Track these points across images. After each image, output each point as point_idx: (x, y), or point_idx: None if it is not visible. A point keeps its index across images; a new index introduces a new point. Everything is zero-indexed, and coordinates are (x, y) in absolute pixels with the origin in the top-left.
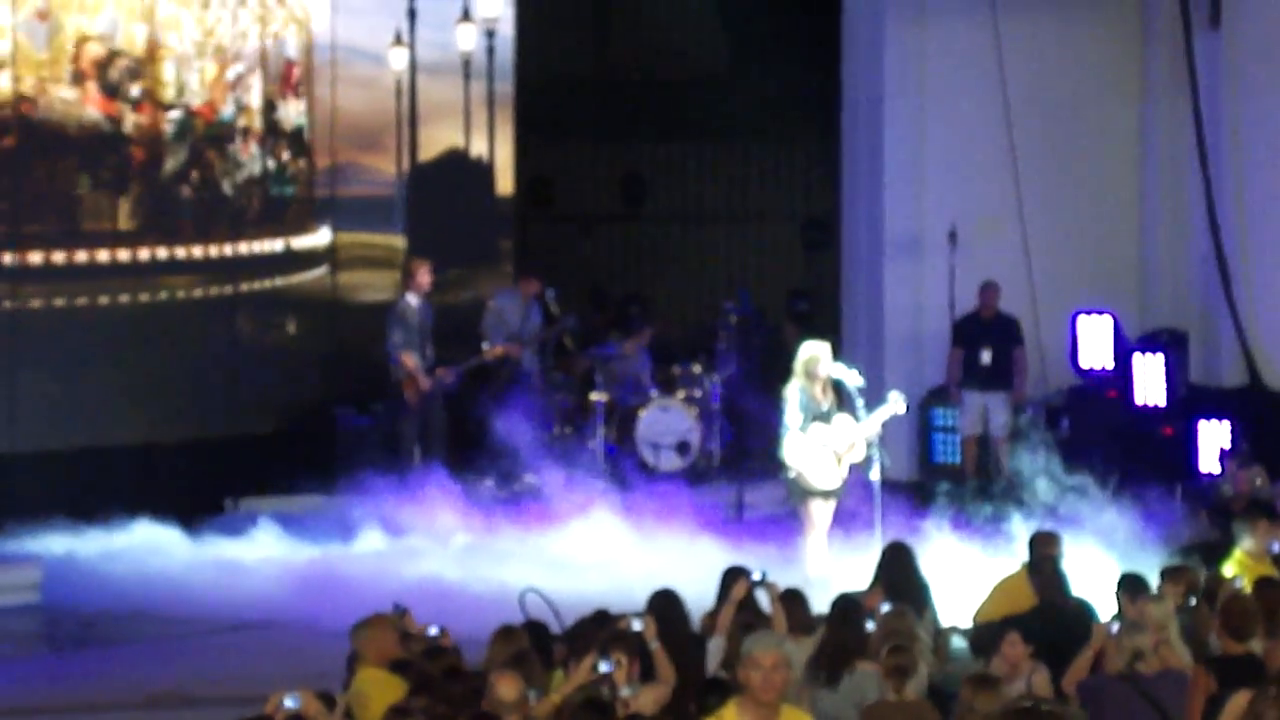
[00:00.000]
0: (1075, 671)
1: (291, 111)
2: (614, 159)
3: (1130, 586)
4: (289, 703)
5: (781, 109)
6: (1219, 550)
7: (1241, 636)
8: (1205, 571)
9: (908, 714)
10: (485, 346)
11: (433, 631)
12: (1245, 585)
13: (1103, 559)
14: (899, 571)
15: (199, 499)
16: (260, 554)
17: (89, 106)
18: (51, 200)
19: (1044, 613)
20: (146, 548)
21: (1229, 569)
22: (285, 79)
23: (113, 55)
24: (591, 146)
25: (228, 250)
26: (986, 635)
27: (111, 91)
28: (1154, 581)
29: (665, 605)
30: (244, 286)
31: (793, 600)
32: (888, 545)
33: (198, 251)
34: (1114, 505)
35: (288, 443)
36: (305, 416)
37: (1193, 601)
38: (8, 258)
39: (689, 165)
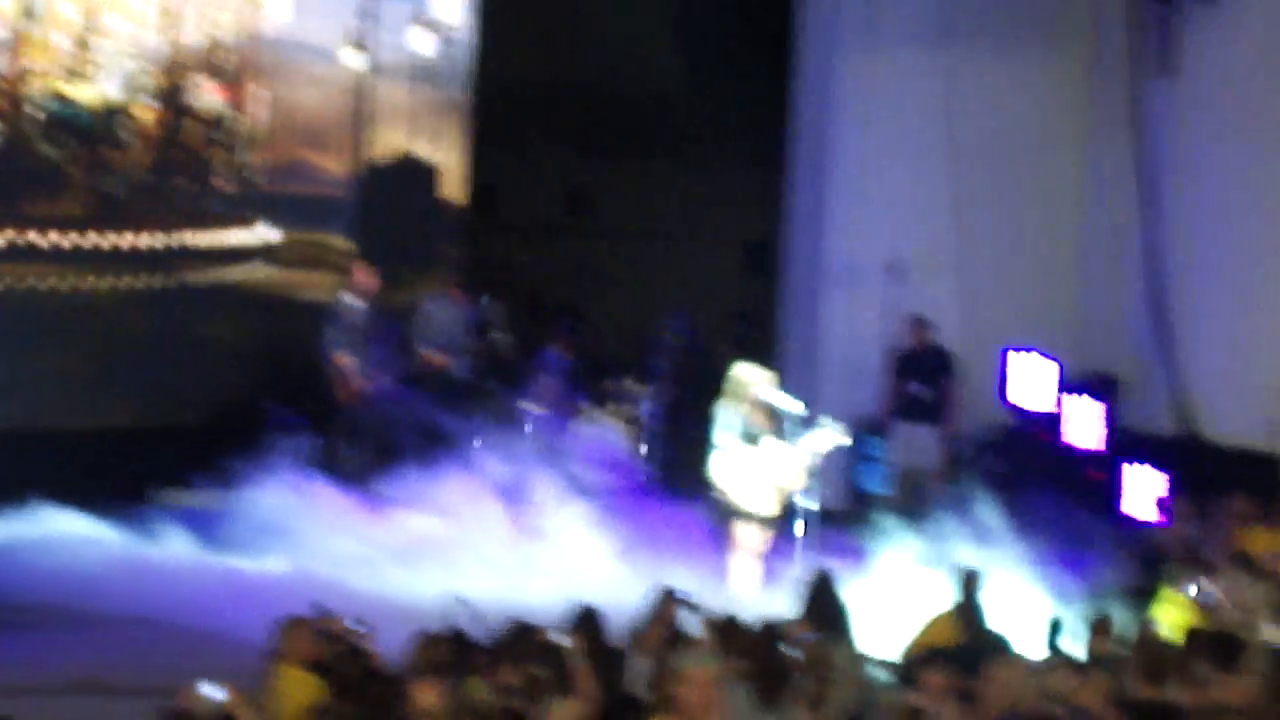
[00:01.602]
0: (989, 706)
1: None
2: (562, 172)
3: (1053, 628)
4: (214, 693)
5: (731, 132)
6: (1143, 595)
7: (1158, 680)
8: (1129, 616)
9: None
10: (422, 351)
11: (354, 626)
12: (1164, 630)
13: (1030, 599)
14: (821, 599)
15: (123, 489)
16: (179, 549)
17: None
18: None
19: (970, 649)
20: (69, 537)
21: (1158, 613)
22: (234, 71)
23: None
24: (540, 158)
25: (170, 241)
26: (914, 666)
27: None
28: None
29: (590, 621)
30: (184, 278)
31: (728, 626)
32: (812, 573)
33: (139, 241)
34: (1041, 546)
35: (217, 437)
36: (237, 411)
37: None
38: None
39: (636, 182)
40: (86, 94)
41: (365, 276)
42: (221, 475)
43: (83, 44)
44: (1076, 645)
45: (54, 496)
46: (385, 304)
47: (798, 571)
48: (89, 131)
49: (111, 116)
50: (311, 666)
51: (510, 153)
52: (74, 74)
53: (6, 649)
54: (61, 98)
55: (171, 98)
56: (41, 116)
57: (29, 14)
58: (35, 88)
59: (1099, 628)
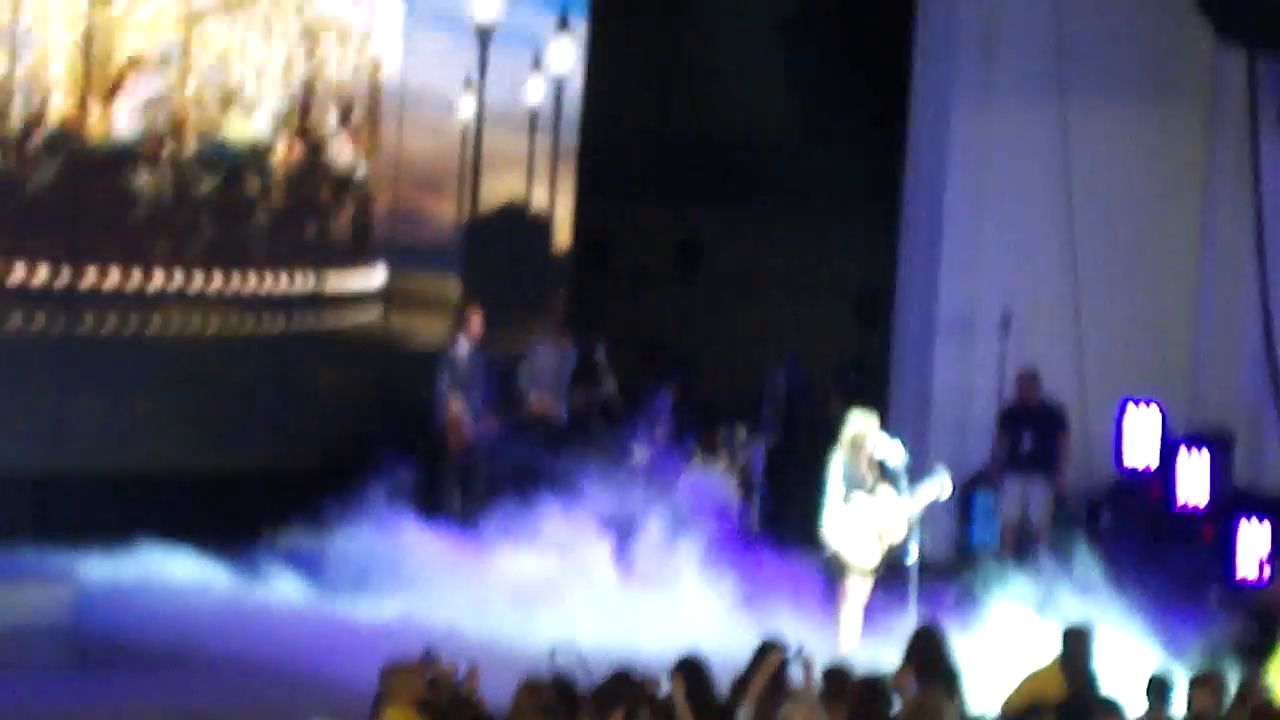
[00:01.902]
0: None
1: (349, 151)
2: (673, 219)
3: (1157, 688)
4: None
5: (843, 180)
6: (1255, 654)
7: None
8: (1240, 675)
9: None
10: (532, 396)
11: (460, 673)
12: (1277, 693)
13: (1137, 657)
14: (929, 654)
15: (235, 530)
16: (287, 592)
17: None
18: (106, 225)
19: (1073, 706)
20: (177, 578)
21: (1269, 675)
22: (360, 121)
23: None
24: (651, 205)
25: (284, 285)
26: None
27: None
28: (1183, 684)
29: (692, 669)
30: (297, 322)
31: (836, 675)
32: (919, 627)
33: (254, 284)
34: (1149, 603)
35: (327, 481)
36: (347, 456)
37: (1224, 708)
38: (61, 281)
39: (748, 230)
40: (238, 128)
41: (477, 321)
42: (331, 519)
43: (232, 76)
44: (1183, 705)
45: (163, 538)
46: (492, 349)
47: (905, 624)
48: (236, 168)
49: (259, 154)
50: (417, 710)
51: (621, 200)
52: (227, 105)
53: (113, 689)
54: (214, 133)
55: (308, 142)
56: (191, 152)
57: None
58: (191, 120)
59: (1204, 685)
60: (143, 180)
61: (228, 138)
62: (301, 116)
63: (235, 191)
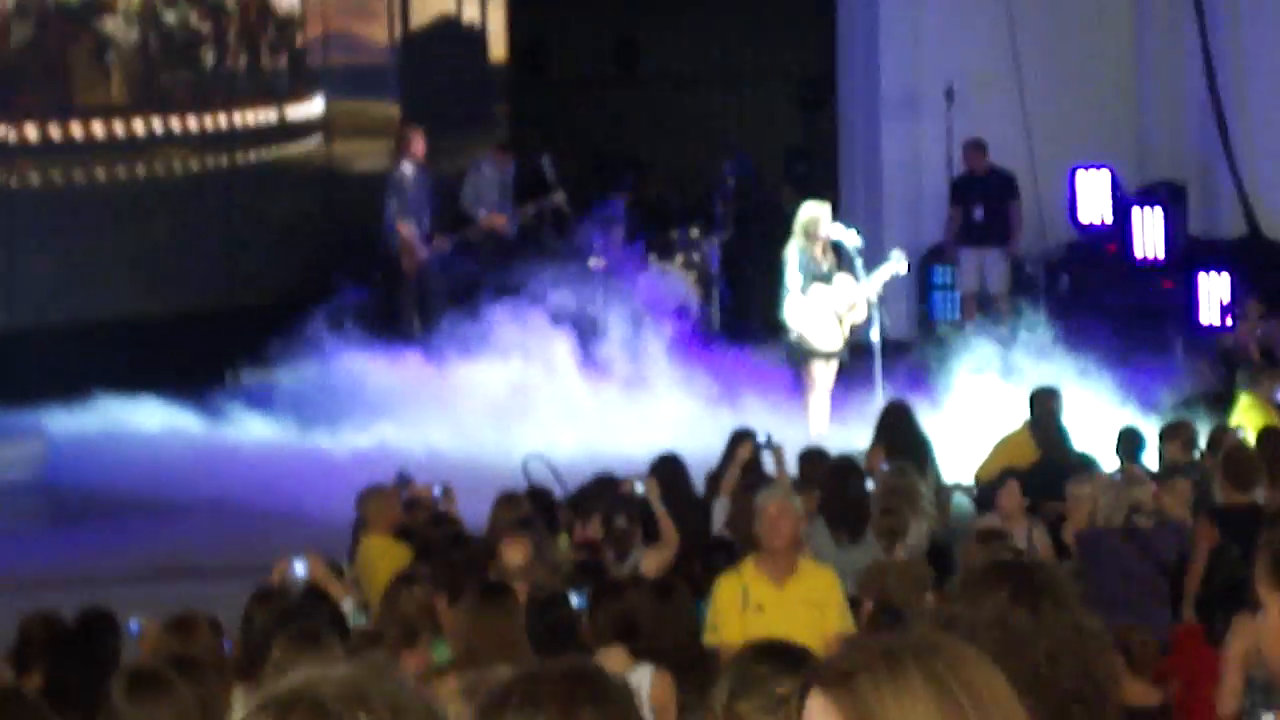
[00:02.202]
0: (1074, 522)
1: None
2: (607, 22)
3: (1128, 441)
4: (298, 568)
5: None
6: (1222, 401)
7: (1244, 486)
8: (1210, 423)
9: (900, 574)
10: (481, 214)
11: (436, 491)
12: (1248, 435)
13: (1105, 413)
14: (899, 430)
15: (197, 373)
16: (257, 430)
17: None
18: (42, 73)
19: (1045, 466)
20: (148, 424)
21: (1234, 419)
22: None
23: None
24: (584, 10)
25: (221, 122)
26: (989, 490)
27: None
28: (1154, 435)
29: (668, 468)
30: (238, 158)
31: (809, 460)
32: (887, 404)
33: (191, 124)
34: (1114, 360)
35: (285, 314)
36: (302, 288)
37: (1195, 455)
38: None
39: (683, 26)
40: None
41: (419, 143)
42: (291, 352)
43: None
44: (1155, 457)
45: (126, 386)
46: (436, 169)
47: (872, 404)
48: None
49: None
50: (397, 534)
51: (553, 7)
52: None
53: (92, 540)
54: None
55: None
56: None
57: None
58: None
59: (1177, 436)
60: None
61: None
62: None
63: (182, 34)
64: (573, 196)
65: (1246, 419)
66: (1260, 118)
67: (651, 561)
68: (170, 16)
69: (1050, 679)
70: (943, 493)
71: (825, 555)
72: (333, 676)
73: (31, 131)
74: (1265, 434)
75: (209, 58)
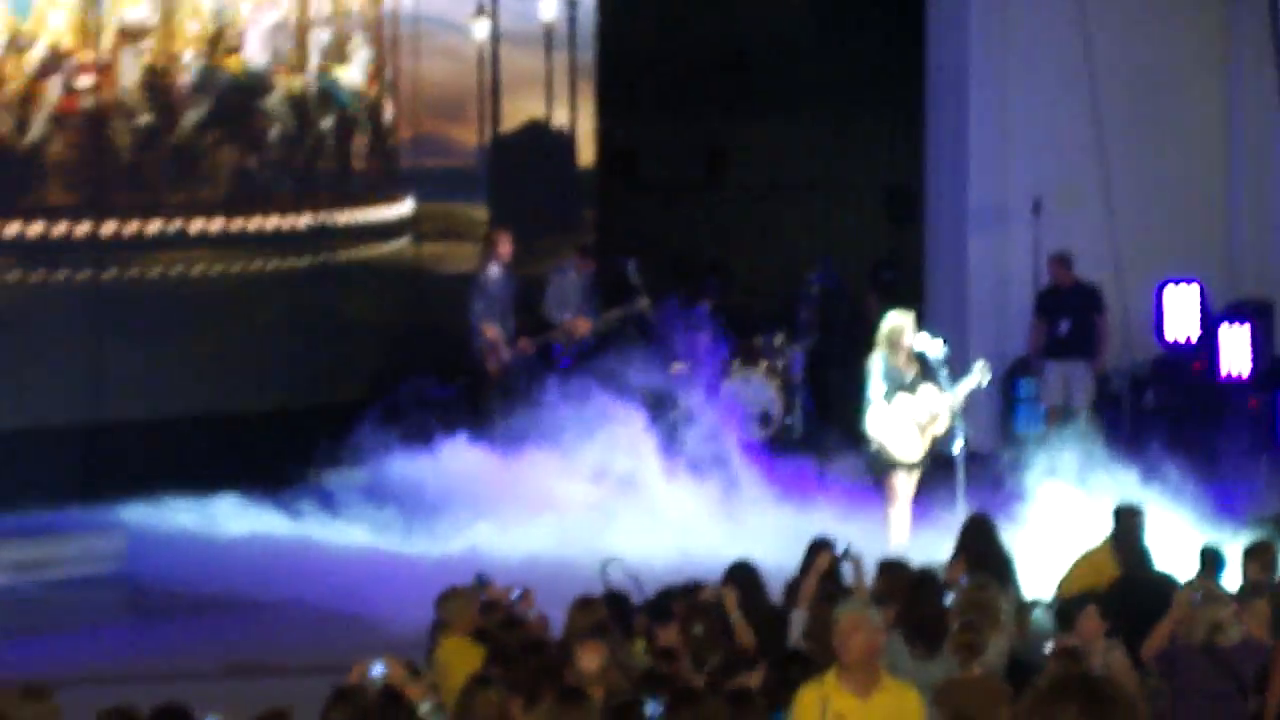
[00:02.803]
0: (1154, 641)
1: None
2: (697, 129)
3: (1209, 560)
4: (376, 670)
5: (865, 79)
6: None
7: None
8: None
9: (977, 690)
10: (564, 318)
11: (514, 595)
12: None
13: (1187, 532)
14: (980, 544)
15: (280, 470)
16: (334, 530)
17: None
18: (133, 169)
19: (1126, 585)
20: (230, 521)
21: None
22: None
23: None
24: (674, 116)
25: (311, 221)
26: (1070, 608)
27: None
28: (1238, 554)
29: (744, 576)
30: (326, 258)
31: (889, 572)
32: (969, 518)
33: (281, 223)
34: (1198, 478)
35: (369, 414)
36: (387, 387)
37: (1277, 575)
38: (94, 228)
39: (774, 136)
40: (234, 65)
41: (506, 245)
42: (377, 451)
43: (222, 17)
44: (1236, 577)
45: (209, 483)
46: (522, 272)
47: (953, 517)
48: (239, 105)
49: (260, 89)
50: (474, 636)
51: (643, 113)
52: (217, 45)
53: (170, 636)
54: (213, 69)
55: (313, 78)
56: (189, 88)
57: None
58: (185, 60)
59: (1258, 556)
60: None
61: (234, 66)
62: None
63: (249, 123)
64: (657, 302)
65: None
66: None
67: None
68: (269, 103)
69: None
70: (1023, 609)
71: (901, 668)
72: None
73: (127, 226)
74: None
75: (303, 156)
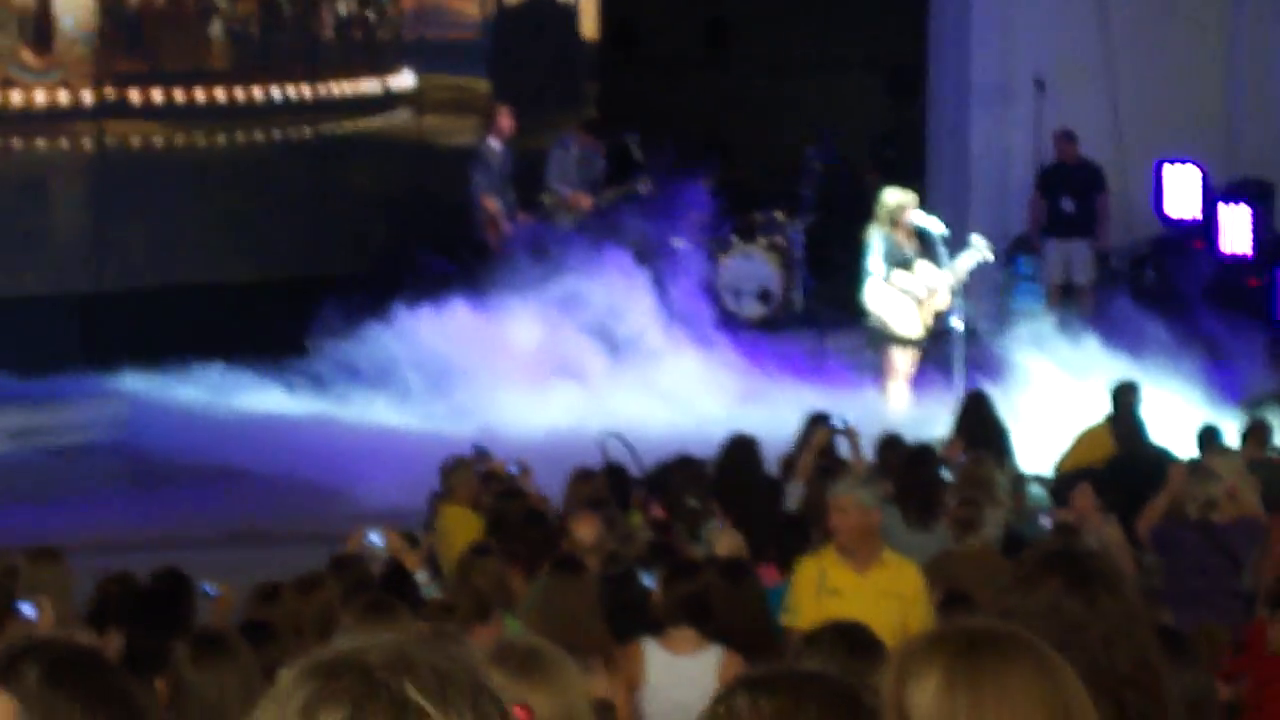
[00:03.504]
0: (1148, 516)
1: None
2: (699, 4)
3: (1207, 438)
4: (374, 539)
5: None
6: None
7: None
8: None
9: (971, 563)
10: (565, 193)
11: (512, 468)
12: None
13: (1185, 409)
14: (978, 420)
15: (280, 340)
16: (335, 400)
17: None
18: (139, 38)
19: (1123, 462)
20: (227, 390)
21: None
22: None
23: None
24: None
25: (313, 92)
26: (1066, 484)
27: None
28: (1235, 432)
29: (741, 450)
30: (328, 129)
31: (886, 447)
32: (967, 394)
33: (282, 93)
34: (1198, 354)
35: (369, 285)
36: (387, 259)
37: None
38: (95, 97)
39: (774, 11)
40: None
41: (506, 119)
42: (376, 322)
43: None
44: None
45: (211, 351)
46: (523, 145)
47: (952, 392)
48: None
49: None
50: (473, 506)
51: None
52: None
53: (169, 503)
54: None
55: None
56: None
57: None
58: None
59: (1253, 434)
60: None
61: None
62: None
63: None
64: (658, 177)
65: None
66: None
67: (724, 543)
68: None
69: (1106, 665)
70: (1019, 484)
71: (897, 540)
72: (380, 644)
73: (129, 94)
74: None
75: (305, 27)
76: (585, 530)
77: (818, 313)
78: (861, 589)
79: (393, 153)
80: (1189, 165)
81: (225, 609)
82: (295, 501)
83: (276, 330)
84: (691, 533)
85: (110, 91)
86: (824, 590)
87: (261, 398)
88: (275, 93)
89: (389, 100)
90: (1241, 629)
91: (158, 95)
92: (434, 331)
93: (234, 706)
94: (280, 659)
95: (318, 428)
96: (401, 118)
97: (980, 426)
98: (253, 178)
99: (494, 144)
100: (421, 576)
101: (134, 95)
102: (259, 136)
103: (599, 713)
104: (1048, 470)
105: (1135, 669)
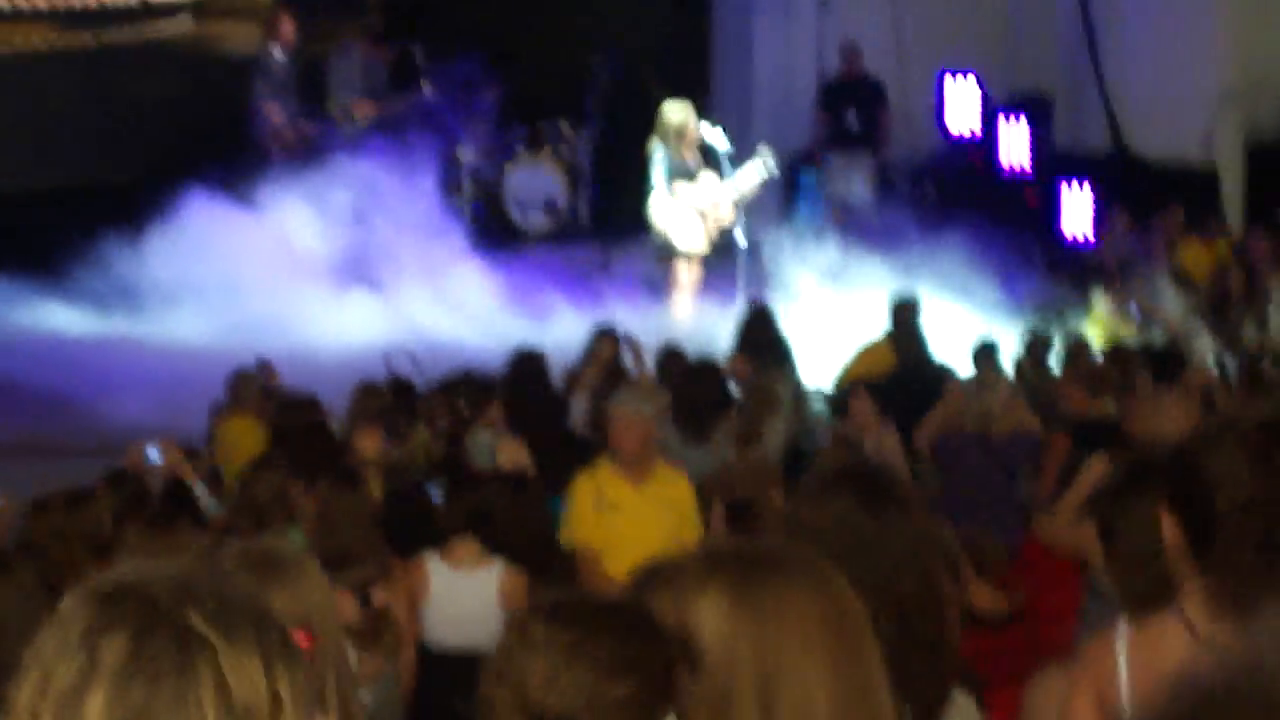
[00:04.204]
0: (926, 427)
1: None
2: None
3: (984, 353)
4: (152, 454)
5: None
6: (1079, 314)
7: (1096, 394)
8: (1066, 334)
9: (749, 473)
10: (352, 100)
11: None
12: (1097, 345)
13: (965, 323)
14: (760, 332)
15: (60, 251)
16: (107, 314)
17: None
18: None
19: (903, 376)
20: (7, 301)
21: (1089, 331)
22: None
23: None
24: None
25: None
26: (844, 394)
27: None
28: (1014, 344)
29: (527, 364)
30: (109, 36)
31: (668, 360)
32: (749, 307)
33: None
34: (977, 269)
35: (152, 196)
36: (168, 168)
37: (1050, 366)
38: None
39: None
40: None
41: (288, 27)
42: (156, 235)
43: None
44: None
45: None
46: (306, 54)
47: (734, 304)
48: None
49: None
50: (258, 418)
51: None
52: None
53: None
54: None
55: None
56: None
57: None
58: None
59: (1032, 349)
60: None
61: None
62: None
63: None
64: (442, 87)
65: (1099, 330)
66: (1129, 32)
67: (506, 455)
68: None
69: (892, 584)
70: (800, 396)
71: (674, 452)
72: (162, 571)
73: None
74: (1114, 350)
75: None
76: (368, 444)
77: (603, 226)
78: (638, 502)
79: (174, 61)
80: (969, 77)
81: (2, 523)
82: (74, 417)
83: (56, 241)
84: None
85: None
86: (603, 505)
87: (41, 311)
88: (47, 1)
89: (169, 7)
90: (1017, 540)
91: None
92: (216, 242)
93: (13, 624)
94: (56, 576)
95: (96, 343)
96: (183, 26)
97: (762, 340)
98: (31, 86)
99: (276, 52)
100: (200, 490)
101: None
102: (37, 43)
103: (373, 621)
104: (829, 385)
105: (920, 588)
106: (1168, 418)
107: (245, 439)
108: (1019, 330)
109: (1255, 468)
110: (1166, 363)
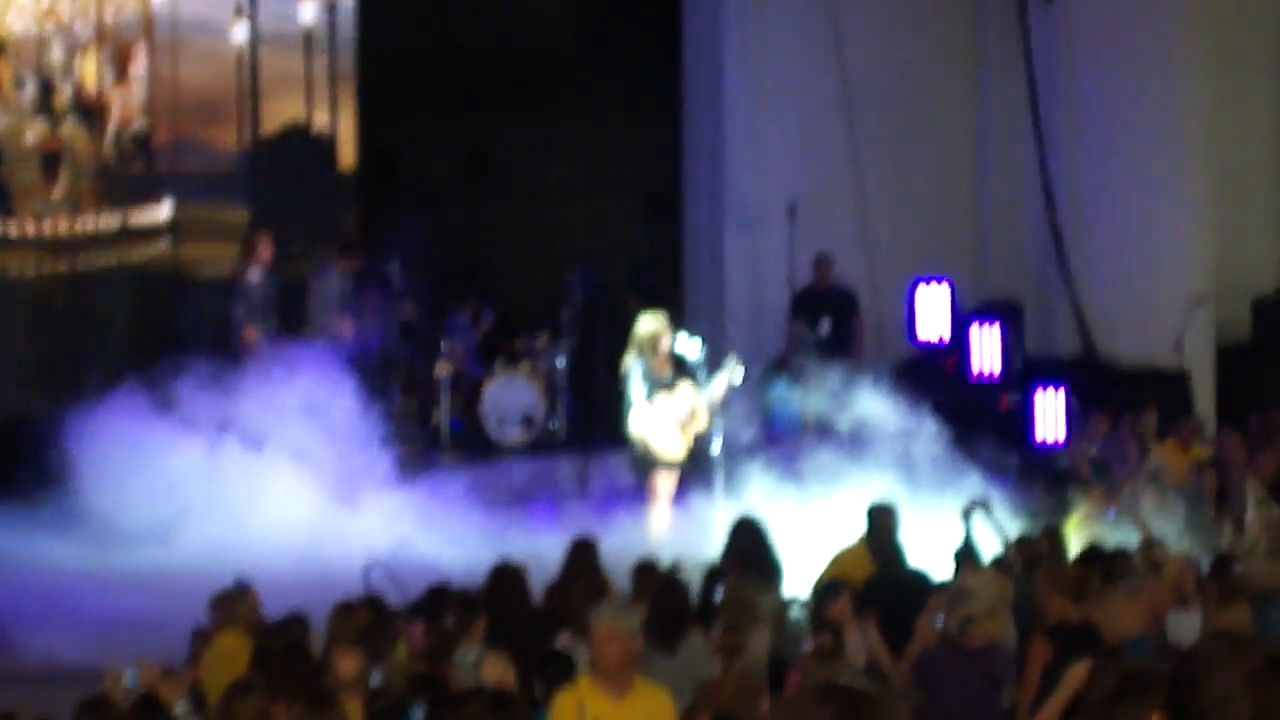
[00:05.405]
0: (920, 641)
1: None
2: (458, 133)
3: (964, 556)
4: (128, 677)
5: (623, 83)
6: (1056, 519)
7: (1078, 599)
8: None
9: (736, 688)
10: (325, 320)
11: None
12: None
13: (941, 529)
14: (749, 545)
15: (42, 477)
16: (85, 543)
17: None
18: None
19: (880, 582)
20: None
21: (1069, 531)
22: (122, 57)
23: None
24: (434, 120)
25: (68, 226)
26: (821, 596)
27: None
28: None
29: (506, 578)
30: (84, 262)
31: (642, 572)
32: (738, 519)
33: (36, 228)
34: (950, 475)
35: (112, 416)
36: (137, 390)
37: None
38: None
39: (532, 139)
40: None
41: (266, 248)
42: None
43: None
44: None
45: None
46: (284, 274)
47: (712, 511)
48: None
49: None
50: (246, 635)
51: (404, 117)
52: None
53: None
54: None
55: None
56: None
57: None
58: None
59: (1019, 549)
60: None
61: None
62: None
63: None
64: (420, 304)
65: (1076, 535)
66: (1096, 239)
67: (491, 671)
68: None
69: None
70: (783, 608)
71: (646, 664)
72: None
73: None
74: (1088, 552)
75: (53, 162)
76: (346, 665)
77: (581, 438)
78: (620, 717)
79: (150, 284)
80: (941, 285)
81: None
82: (50, 645)
83: (36, 469)
84: (444, 652)
85: None
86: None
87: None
88: (27, 228)
89: (148, 232)
90: None
91: None
92: (179, 462)
93: None
94: None
95: (59, 569)
96: (161, 249)
97: (751, 552)
98: (10, 310)
99: (253, 274)
100: (181, 708)
101: None
102: (13, 269)
103: None
104: (807, 592)
105: None
106: (1135, 616)
107: (240, 656)
108: (995, 533)
109: (1255, 696)
110: (1137, 564)
